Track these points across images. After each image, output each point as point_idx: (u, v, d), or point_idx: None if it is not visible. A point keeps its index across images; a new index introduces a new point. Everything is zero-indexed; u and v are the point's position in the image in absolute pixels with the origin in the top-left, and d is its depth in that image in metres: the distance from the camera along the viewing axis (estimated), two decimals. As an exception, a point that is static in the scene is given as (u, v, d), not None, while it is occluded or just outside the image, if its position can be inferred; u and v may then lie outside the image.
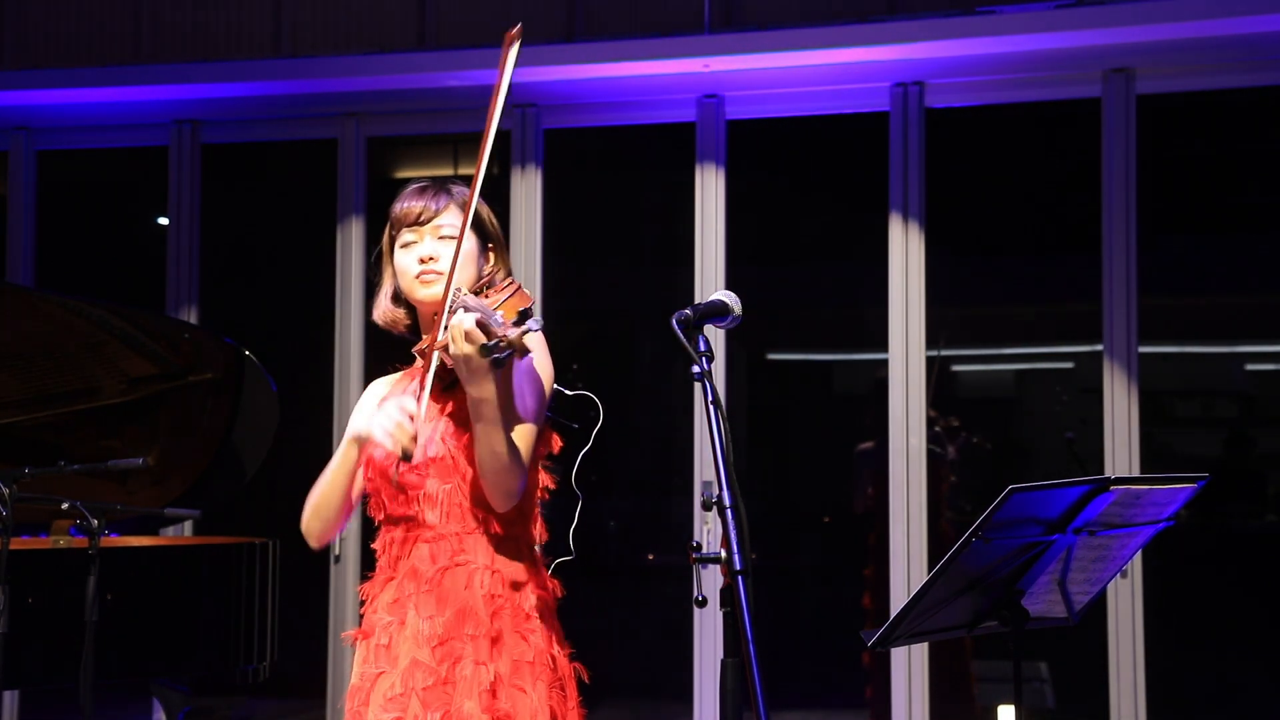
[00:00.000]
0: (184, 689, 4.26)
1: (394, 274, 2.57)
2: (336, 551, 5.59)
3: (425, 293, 2.51)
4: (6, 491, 3.29)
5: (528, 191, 5.54)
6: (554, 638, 2.48)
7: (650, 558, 6.77)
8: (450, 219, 2.52)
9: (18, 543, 3.90)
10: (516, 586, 2.45)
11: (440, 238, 2.51)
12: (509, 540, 2.46)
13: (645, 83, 5.43)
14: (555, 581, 2.56)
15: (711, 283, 5.34)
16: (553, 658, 2.45)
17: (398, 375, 2.65)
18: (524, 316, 2.19)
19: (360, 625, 2.53)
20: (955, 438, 5.66)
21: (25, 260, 6.01)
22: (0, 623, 3.23)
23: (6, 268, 6.01)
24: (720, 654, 2.07)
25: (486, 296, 2.38)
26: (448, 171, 6.75)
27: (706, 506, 2.11)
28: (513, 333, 2.16)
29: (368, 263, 5.72)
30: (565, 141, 5.65)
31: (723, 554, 2.04)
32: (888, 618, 2.72)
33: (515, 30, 2.37)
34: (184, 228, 5.87)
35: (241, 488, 4.51)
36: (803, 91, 5.42)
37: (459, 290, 2.31)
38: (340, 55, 5.61)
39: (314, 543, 2.59)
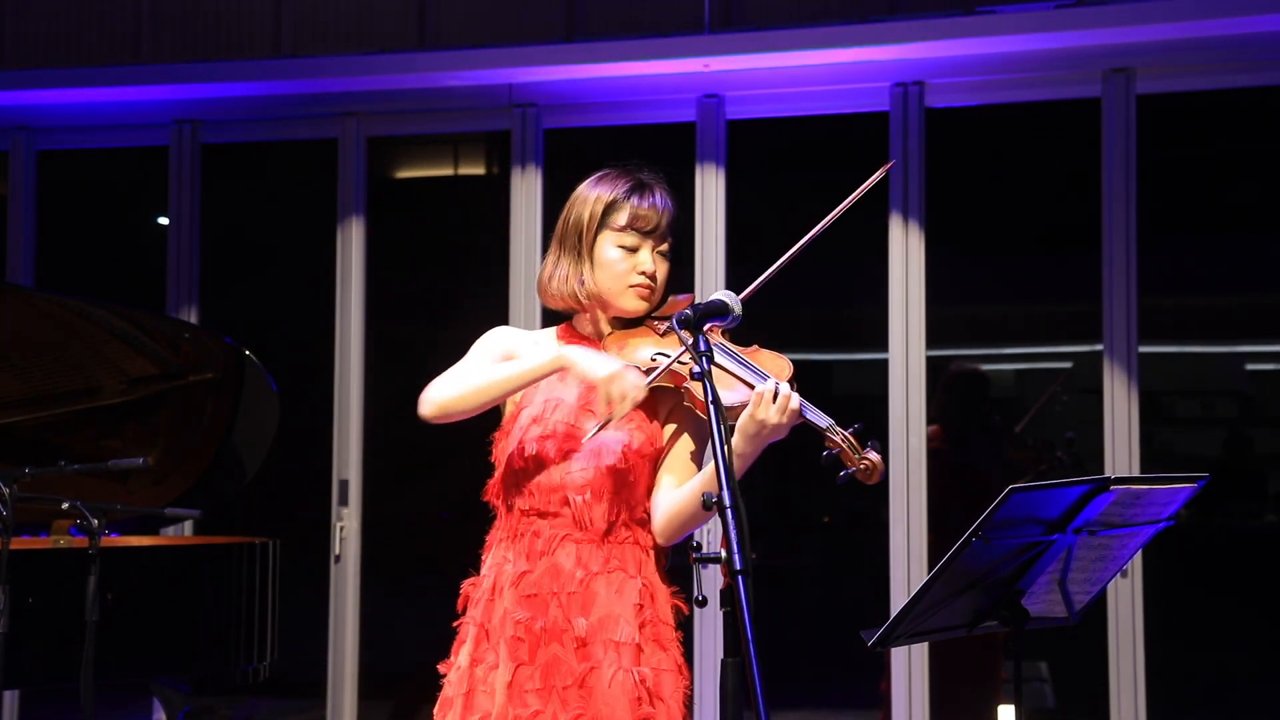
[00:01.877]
0: (184, 689, 4.27)
1: (592, 257, 2.53)
2: (337, 551, 5.59)
3: (637, 306, 2.54)
4: (6, 491, 3.29)
5: (528, 191, 5.54)
6: (681, 647, 2.51)
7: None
8: (670, 234, 2.58)
9: (18, 543, 3.90)
10: (656, 597, 2.47)
11: (659, 253, 2.55)
12: (653, 554, 2.50)
13: (645, 83, 5.43)
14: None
15: (711, 283, 5.34)
16: (685, 668, 2.49)
17: (527, 334, 2.62)
18: (862, 433, 2.30)
19: (472, 611, 2.50)
20: (1047, 457, 5.65)
21: (25, 260, 6.01)
22: (0, 623, 3.23)
23: (6, 268, 6.01)
24: (720, 654, 2.07)
25: (738, 350, 2.46)
26: (448, 172, 6.74)
27: (706, 506, 2.11)
28: (873, 456, 2.24)
29: (368, 262, 5.72)
30: (565, 141, 5.65)
31: (723, 554, 2.04)
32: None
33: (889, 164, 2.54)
34: (184, 228, 5.87)
35: (241, 488, 4.51)
36: (803, 91, 5.42)
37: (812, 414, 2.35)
38: (340, 55, 5.61)
39: (432, 413, 2.48)
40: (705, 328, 2.35)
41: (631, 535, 2.46)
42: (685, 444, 2.50)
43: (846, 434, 2.27)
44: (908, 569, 5.13)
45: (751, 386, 2.35)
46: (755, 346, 2.51)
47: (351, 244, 5.71)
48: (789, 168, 6.38)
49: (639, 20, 5.45)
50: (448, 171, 6.74)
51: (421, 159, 6.72)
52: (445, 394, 2.46)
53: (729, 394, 2.35)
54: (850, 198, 2.46)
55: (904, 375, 5.20)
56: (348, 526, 5.58)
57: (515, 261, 5.45)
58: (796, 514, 6.91)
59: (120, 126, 5.97)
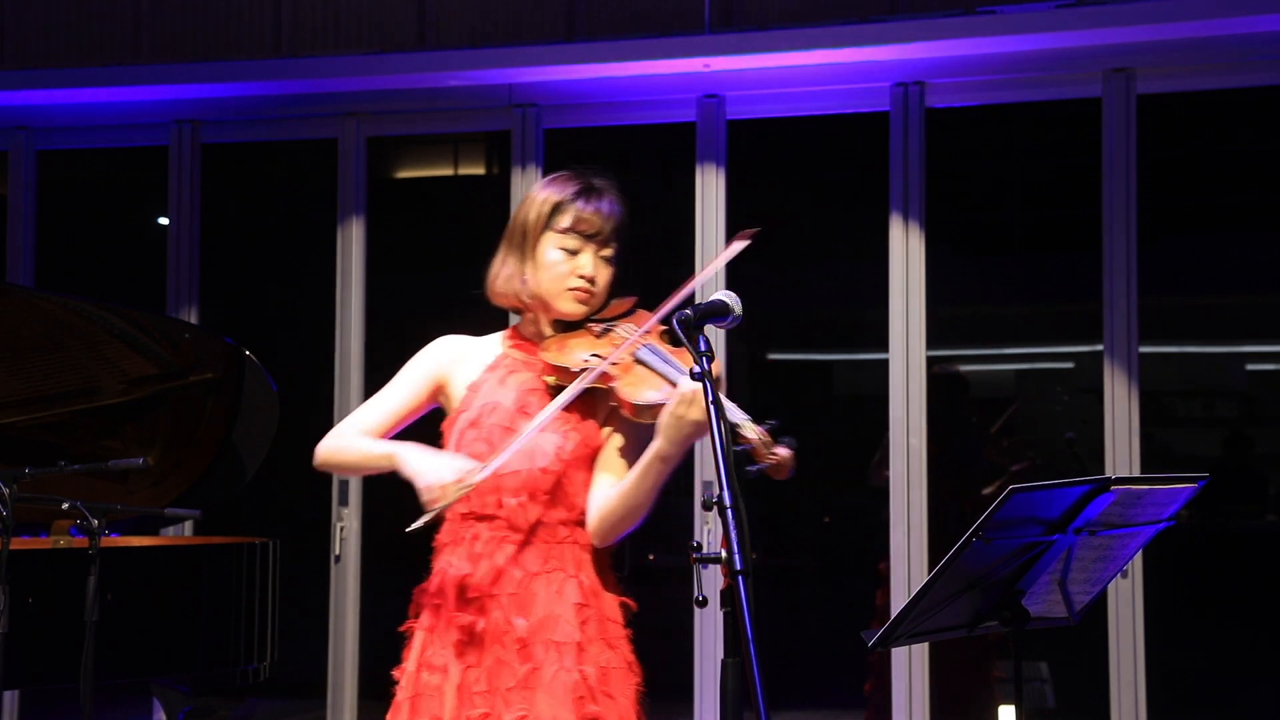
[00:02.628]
0: (184, 689, 4.26)
1: (534, 258, 2.55)
2: (337, 551, 5.59)
3: (574, 309, 2.54)
4: (6, 491, 3.29)
5: (527, 191, 5.53)
6: (631, 645, 2.51)
7: (650, 558, 6.77)
8: (614, 241, 2.56)
9: (18, 543, 3.89)
10: (600, 596, 2.48)
11: (601, 257, 2.55)
12: (594, 552, 2.50)
13: (645, 83, 5.43)
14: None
15: (711, 283, 5.34)
16: (636, 665, 2.50)
17: (474, 340, 2.64)
18: (776, 429, 2.25)
19: (421, 615, 2.52)
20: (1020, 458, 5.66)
21: (25, 260, 6.01)
22: (0, 623, 3.23)
23: (6, 268, 6.01)
24: (720, 654, 2.06)
25: (666, 347, 2.44)
26: (448, 172, 6.74)
27: (707, 506, 2.11)
28: (782, 452, 2.20)
29: (368, 262, 5.72)
30: (565, 141, 5.65)
31: (723, 554, 2.04)
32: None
33: (750, 231, 2.43)
34: (184, 228, 5.87)
35: (241, 488, 4.51)
36: (803, 91, 5.42)
37: (737, 417, 2.29)
38: (340, 55, 5.61)
39: (317, 464, 2.61)
40: (648, 328, 2.40)
41: (571, 535, 2.47)
42: (618, 443, 2.50)
43: (760, 430, 2.25)
44: (908, 569, 5.13)
45: (675, 385, 2.35)
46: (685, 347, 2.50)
47: (351, 244, 5.71)
48: (789, 168, 6.38)
49: (639, 20, 5.45)
50: (448, 171, 6.75)
51: (421, 159, 6.72)
52: (324, 453, 2.58)
53: (652, 393, 2.35)
54: (715, 261, 2.47)
55: (904, 375, 5.20)
56: (348, 526, 5.58)
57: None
58: (796, 514, 6.92)
59: (120, 126, 5.97)
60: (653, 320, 2.46)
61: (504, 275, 2.59)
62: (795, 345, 7.14)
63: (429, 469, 2.39)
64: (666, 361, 2.41)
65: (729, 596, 2.03)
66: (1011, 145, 6.28)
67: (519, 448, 2.41)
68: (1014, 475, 5.55)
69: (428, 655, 2.47)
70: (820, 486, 6.74)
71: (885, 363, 5.25)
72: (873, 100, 5.34)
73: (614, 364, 2.42)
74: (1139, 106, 5.09)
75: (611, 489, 2.44)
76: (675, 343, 2.47)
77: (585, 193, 2.56)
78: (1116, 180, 5.08)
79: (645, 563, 6.78)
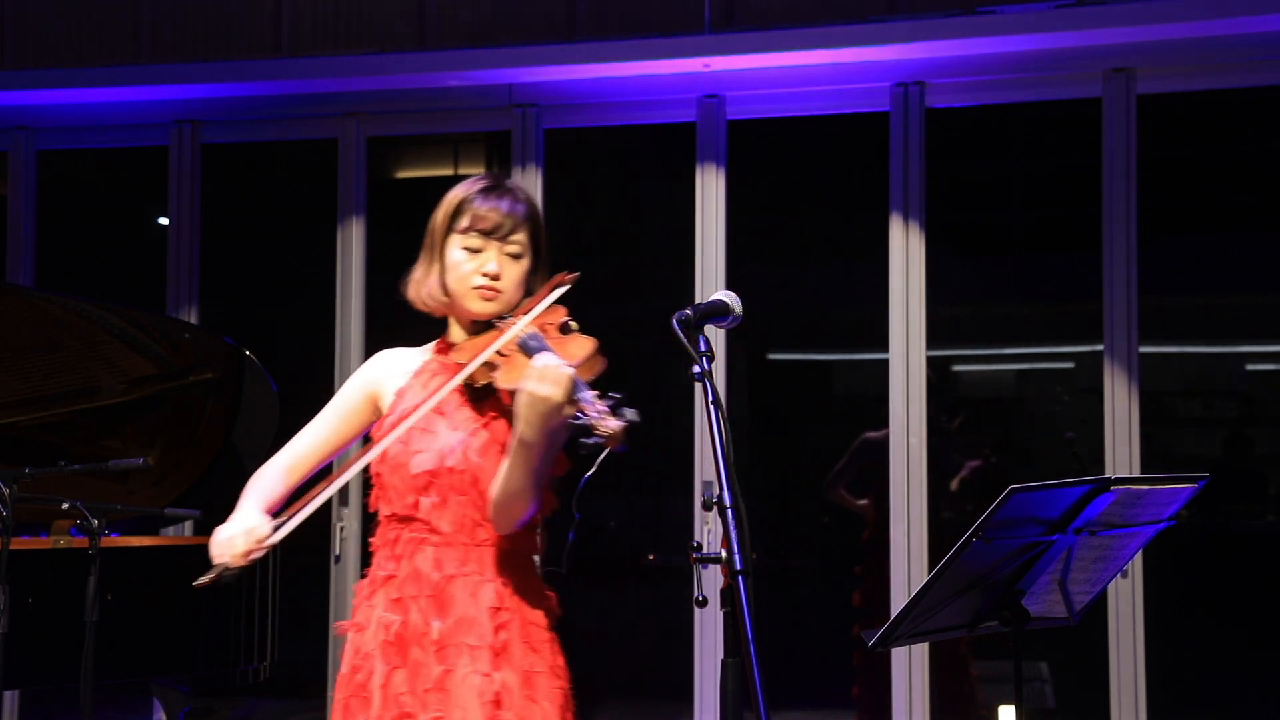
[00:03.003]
0: (184, 689, 4.27)
1: (441, 263, 2.55)
2: (337, 552, 5.59)
3: (481, 307, 2.52)
4: (6, 491, 3.29)
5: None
6: (558, 649, 2.50)
7: (650, 558, 6.77)
8: (520, 237, 2.53)
9: (18, 543, 3.89)
10: (521, 599, 2.46)
11: (506, 254, 2.52)
12: (514, 554, 2.48)
13: (645, 83, 5.43)
14: (554, 595, 2.57)
15: (712, 283, 5.34)
16: (563, 669, 2.48)
17: (410, 350, 2.64)
18: (618, 403, 2.20)
19: (354, 617, 2.53)
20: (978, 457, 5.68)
21: (25, 260, 6.01)
22: (0, 623, 3.23)
23: (6, 268, 6.01)
24: (720, 654, 2.06)
25: (546, 333, 2.41)
26: (448, 172, 6.74)
27: (707, 506, 2.11)
28: (613, 424, 2.16)
29: (368, 262, 5.73)
30: (565, 141, 5.65)
31: (723, 554, 2.04)
32: (877, 615, 2.72)
33: (570, 276, 2.45)
34: (184, 228, 5.87)
35: (242, 488, 4.50)
36: (803, 91, 5.42)
37: (577, 379, 2.26)
38: (340, 55, 5.61)
39: None
40: (524, 323, 2.39)
41: (490, 537, 2.46)
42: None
43: (600, 404, 2.21)
44: (908, 569, 5.13)
45: None
46: (575, 336, 2.47)
47: (351, 244, 5.71)
48: (789, 168, 6.38)
49: (639, 20, 5.45)
50: (448, 171, 6.75)
51: (421, 159, 6.72)
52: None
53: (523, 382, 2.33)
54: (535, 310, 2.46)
55: (904, 375, 5.20)
56: (348, 527, 5.58)
57: (515, 261, 5.44)
58: (796, 514, 6.92)
59: (120, 126, 5.97)
60: (514, 330, 2.42)
61: (415, 280, 2.60)
62: (795, 345, 7.14)
63: (224, 526, 2.45)
64: (544, 348, 2.37)
65: (729, 596, 2.03)
66: (1011, 145, 6.28)
67: (364, 464, 2.44)
68: (972, 471, 5.59)
69: (359, 657, 2.48)
70: (820, 486, 6.74)
71: (885, 363, 5.25)
72: (873, 100, 5.35)
73: (500, 355, 2.40)
74: (1139, 106, 5.09)
75: (497, 477, 2.42)
76: (565, 332, 2.45)
77: (486, 191, 2.55)
78: (1116, 180, 5.08)
79: (645, 563, 6.79)
